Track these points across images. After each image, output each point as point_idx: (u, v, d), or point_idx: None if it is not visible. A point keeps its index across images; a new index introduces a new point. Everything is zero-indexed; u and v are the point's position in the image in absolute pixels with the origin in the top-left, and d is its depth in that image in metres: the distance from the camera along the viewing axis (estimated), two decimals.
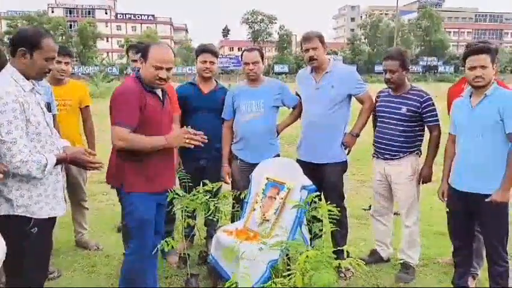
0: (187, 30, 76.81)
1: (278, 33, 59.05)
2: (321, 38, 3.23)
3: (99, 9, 67.41)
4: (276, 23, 60.39)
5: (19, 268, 2.05)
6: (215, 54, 3.55)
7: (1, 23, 54.44)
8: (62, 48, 3.38)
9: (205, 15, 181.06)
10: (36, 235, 2.05)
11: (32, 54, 2.03)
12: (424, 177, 3.19)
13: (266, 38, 59.38)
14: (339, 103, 3.21)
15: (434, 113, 3.10)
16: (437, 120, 3.11)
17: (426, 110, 3.08)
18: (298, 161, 3.31)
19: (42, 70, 2.09)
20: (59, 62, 3.28)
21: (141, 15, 69.27)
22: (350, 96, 3.26)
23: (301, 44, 3.32)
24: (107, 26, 64.51)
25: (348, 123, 3.33)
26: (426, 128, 3.19)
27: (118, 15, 68.41)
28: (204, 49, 3.52)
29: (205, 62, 3.46)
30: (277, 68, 49.01)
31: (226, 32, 68.18)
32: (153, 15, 69.34)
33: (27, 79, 2.06)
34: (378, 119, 3.30)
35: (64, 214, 2.23)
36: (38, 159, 1.97)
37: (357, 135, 3.29)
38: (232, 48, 67.54)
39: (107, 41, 61.88)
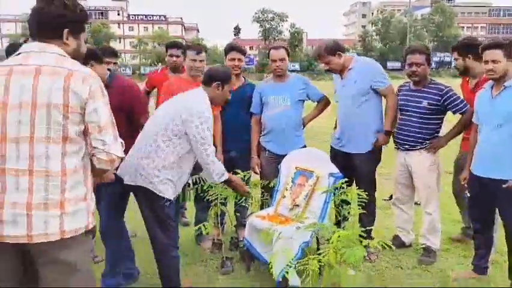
0: (198, 30, 77.22)
1: (289, 31, 59.08)
2: (331, 50, 3.32)
3: (111, 10, 68.22)
4: (286, 20, 60.47)
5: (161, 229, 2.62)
6: (243, 52, 3.78)
7: (16, 25, 55.55)
8: (110, 49, 3.71)
9: (216, 14, 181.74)
10: (169, 206, 2.60)
11: (224, 87, 2.72)
12: (434, 145, 3.30)
13: (277, 36, 59.44)
14: (365, 96, 3.33)
15: (459, 100, 3.23)
16: (466, 105, 3.19)
17: (450, 100, 3.23)
18: (332, 149, 3.51)
19: (226, 98, 2.83)
20: (108, 63, 3.54)
21: (153, 15, 69.91)
22: (375, 89, 3.36)
23: None
24: (119, 27, 65.34)
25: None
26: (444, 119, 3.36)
27: (130, 16, 69.20)
28: (232, 47, 3.75)
29: (234, 59, 3.67)
30: (289, 66, 48.88)
31: (237, 31, 68.36)
32: (164, 16, 69.92)
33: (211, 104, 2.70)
34: (400, 112, 3.46)
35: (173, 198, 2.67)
36: (221, 167, 2.67)
37: (388, 133, 3.40)
38: (244, 47, 67.55)
39: (120, 41, 62.65)
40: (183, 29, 70.87)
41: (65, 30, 1.73)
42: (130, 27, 67.70)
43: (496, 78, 2.73)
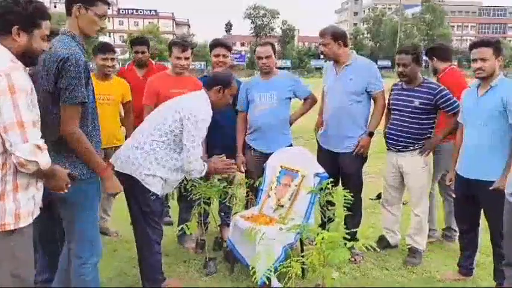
0: (189, 25, 76.62)
1: (281, 28, 59.05)
2: (334, 34, 3.29)
3: None
4: (278, 17, 60.44)
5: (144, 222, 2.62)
6: (228, 47, 3.69)
7: None
8: (108, 45, 3.65)
9: (208, 10, 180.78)
10: (155, 200, 2.61)
11: (224, 91, 2.77)
12: (427, 148, 3.28)
13: (269, 32, 59.38)
14: (358, 96, 3.28)
15: (452, 100, 3.16)
16: (459, 105, 3.12)
17: (443, 100, 3.17)
18: (319, 147, 3.44)
19: (227, 103, 2.88)
20: (105, 59, 3.51)
21: (143, 10, 69.18)
22: (368, 91, 3.31)
23: None
24: (109, 21, 64.52)
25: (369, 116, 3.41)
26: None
27: (120, 11, 68.39)
28: (217, 43, 3.66)
29: (219, 55, 3.59)
30: (280, 63, 49.07)
31: (229, 27, 68.04)
32: (155, 11, 69.22)
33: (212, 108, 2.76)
34: (392, 112, 3.41)
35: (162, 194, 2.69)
36: (201, 164, 2.66)
37: (371, 134, 3.36)
38: (235, 43, 67.42)
39: (110, 36, 61.89)
40: (174, 25, 70.30)
41: (15, 27, 1.73)
42: (120, 21, 66.85)
43: (484, 77, 2.69)
